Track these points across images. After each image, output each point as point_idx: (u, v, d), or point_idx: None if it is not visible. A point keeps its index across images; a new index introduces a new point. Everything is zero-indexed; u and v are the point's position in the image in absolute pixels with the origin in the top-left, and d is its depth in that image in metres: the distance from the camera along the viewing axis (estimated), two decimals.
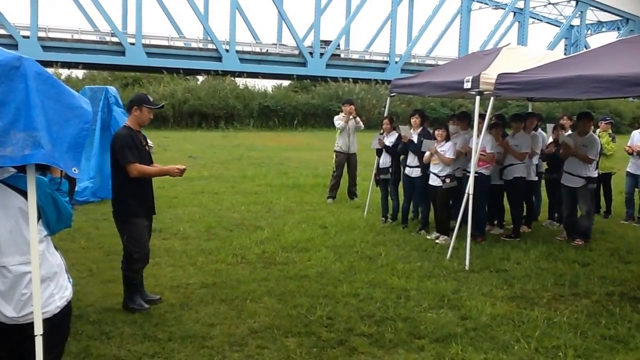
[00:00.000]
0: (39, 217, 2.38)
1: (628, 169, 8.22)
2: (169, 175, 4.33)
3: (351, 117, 9.05)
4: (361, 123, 9.27)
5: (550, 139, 7.55)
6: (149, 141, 4.53)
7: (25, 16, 31.33)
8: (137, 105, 4.26)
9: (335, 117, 9.27)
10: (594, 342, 3.92)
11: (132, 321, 4.11)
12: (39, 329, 2.35)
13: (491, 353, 3.71)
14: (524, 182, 7.00)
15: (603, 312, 4.49)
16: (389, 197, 7.67)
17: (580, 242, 6.60)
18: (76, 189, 8.18)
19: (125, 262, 4.36)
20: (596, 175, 6.84)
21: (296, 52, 38.05)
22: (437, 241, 6.66)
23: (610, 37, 45.34)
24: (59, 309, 2.49)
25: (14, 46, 28.94)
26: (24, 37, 30.83)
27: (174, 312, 4.31)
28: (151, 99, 4.38)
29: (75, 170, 2.38)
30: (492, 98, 5.73)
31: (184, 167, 4.28)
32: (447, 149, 6.59)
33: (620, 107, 30.80)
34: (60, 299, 2.50)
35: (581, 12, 45.90)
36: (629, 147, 8.10)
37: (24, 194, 2.35)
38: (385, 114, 7.99)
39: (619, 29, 47.79)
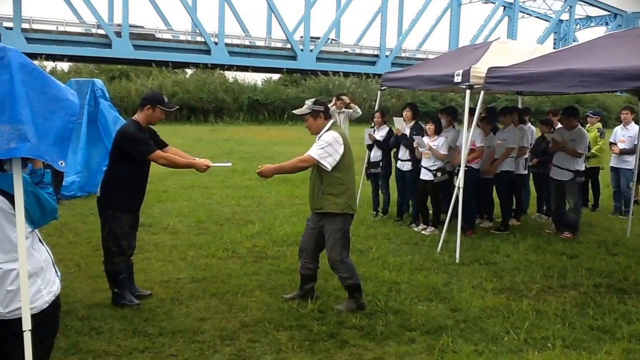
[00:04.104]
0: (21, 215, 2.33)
1: (611, 164, 8.33)
2: (196, 169, 4.22)
3: (342, 110, 9.04)
4: (358, 109, 9.29)
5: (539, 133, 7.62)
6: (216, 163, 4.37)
7: (7, 7, 30.75)
8: (150, 104, 4.16)
9: None
10: (582, 332, 3.97)
11: (122, 316, 4.07)
12: (27, 325, 2.32)
13: (481, 344, 3.74)
14: (511, 175, 7.05)
15: (590, 303, 4.55)
16: (380, 191, 7.68)
17: (568, 235, 6.67)
18: (63, 183, 8.08)
19: (104, 257, 4.30)
20: (584, 168, 6.91)
21: (287, 45, 37.86)
22: (423, 232, 6.72)
23: (599, 31, 45.84)
24: (47, 304, 2.46)
25: None
26: (6, 28, 30.24)
27: (164, 307, 4.28)
28: (166, 100, 4.27)
29: (62, 164, 2.34)
30: (482, 92, 5.74)
31: (210, 163, 4.21)
32: (440, 145, 6.62)
33: (607, 102, 31.13)
34: (48, 294, 2.47)
35: (570, 6, 46.19)
36: (612, 148, 8.18)
37: (3, 193, 2.30)
38: (376, 108, 7.99)
39: (607, 23, 48.21)
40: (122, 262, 4.29)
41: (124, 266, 4.32)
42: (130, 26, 32.98)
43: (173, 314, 4.16)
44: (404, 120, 7.27)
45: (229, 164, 4.70)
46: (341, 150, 4.19)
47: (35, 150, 2.24)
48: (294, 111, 4.53)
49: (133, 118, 4.26)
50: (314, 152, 4.17)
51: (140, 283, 4.64)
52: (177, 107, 4.42)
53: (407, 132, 7.08)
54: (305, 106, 4.34)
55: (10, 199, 2.30)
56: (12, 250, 2.33)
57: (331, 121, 4.34)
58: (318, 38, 38.25)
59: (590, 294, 4.78)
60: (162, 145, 4.34)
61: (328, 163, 4.15)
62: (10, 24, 30.49)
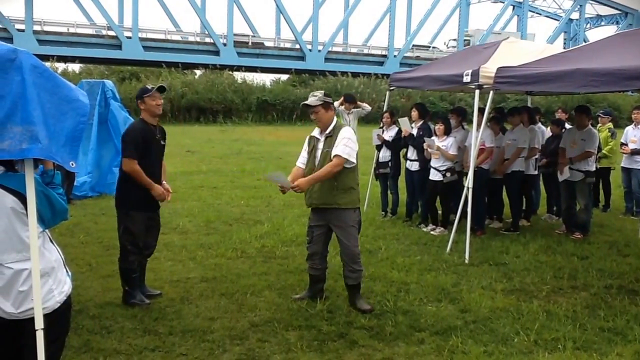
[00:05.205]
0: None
1: (622, 164, 8.25)
2: (153, 193, 4.23)
3: (351, 110, 9.04)
4: (366, 106, 9.28)
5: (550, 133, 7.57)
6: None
7: (20, 9, 31.17)
8: (139, 100, 4.28)
9: None
10: (593, 334, 3.94)
11: (132, 315, 4.10)
12: (39, 323, 2.34)
13: (491, 345, 3.72)
14: (521, 175, 7.00)
15: (601, 304, 4.51)
16: (389, 192, 7.67)
17: (579, 236, 6.62)
18: (75, 183, 8.17)
19: (120, 255, 4.36)
20: (594, 169, 6.85)
21: (296, 46, 37.93)
22: (432, 232, 6.70)
23: (609, 30, 45.35)
24: (59, 304, 2.48)
25: (9, 39, 28.71)
26: (19, 30, 30.61)
27: (174, 307, 4.31)
28: (149, 87, 4.35)
29: (72, 164, 2.36)
30: (491, 92, 5.72)
31: (169, 196, 4.33)
32: (449, 145, 6.59)
33: (618, 101, 30.81)
34: (60, 294, 2.49)
35: (580, 5, 45.79)
36: (623, 148, 8.10)
37: (14, 193, 2.32)
38: (385, 108, 7.98)
39: (617, 22, 47.71)
40: (136, 261, 4.33)
41: (138, 265, 4.36)
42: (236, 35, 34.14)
43: (183, 313, 4.18)
44: (413, 121, 7.26)
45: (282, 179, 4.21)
46: (357, 146, 4.23)
47: (47, 151, 2.26)
48: (306, 101, 4.28)
49: (141, 117, 4.39)
50: (343, 152, 4.10)
51: (150, 282, 4.67)
52: (159, 85, 4.34)
53: (415, 132, 7.07)
54: (315, 97, 4.25)
55: (22, 198, 2.32)
56: (23, 249, 2.36)
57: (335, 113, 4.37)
58: (421, 46, 38.88)
59: (602, 295, 4.74)
60: (161, 155, 4.38)
61: (354, 159, 4.19)
62: (22, 26, 30.84)
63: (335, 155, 4.10)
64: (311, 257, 4.47)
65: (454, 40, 40.65)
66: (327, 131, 4.25)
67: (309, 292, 4.49)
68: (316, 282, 4.49)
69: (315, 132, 4.38)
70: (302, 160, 4.43)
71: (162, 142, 4.40)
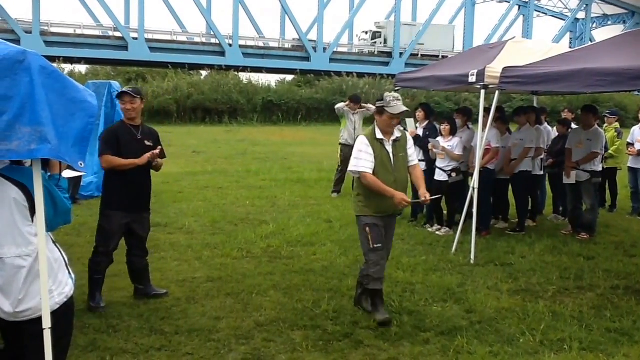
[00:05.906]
0: (35, 212, 2.33)
1: (629, 164, 8.22)
2: (141, 162, 4.18)
3: (356, 110, 9.05)
4: (372, 106, 9.29)
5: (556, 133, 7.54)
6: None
7: (27, 11, 31.34)
8: None
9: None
10: (599, 334, 3.93)
11: (139, 314, 4.13)
12: (47, 322, 2.34)
13: (496, 346, 3.72)
14: (529, 176, 6.99)
15: (608, 305, 4.50)
16: None
17: (585, 236, 6.60)
18: (81, 183, 8.22)
19: (92, 253, 4.36)
20: (601, 169, 6.83)
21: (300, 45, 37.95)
22: (437, 233, 6.70)
23: (616, 30, 44.96)
24: (58, 305, 2.44)
25: (17, 41, 28.79)
26: (26, 32, 30.81)
27: (180, 306, 4.33)
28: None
29: (81, 164, 2.38)
30: (497, 92, 5.70)
31: (155, 153, 4.21)
32: (454, 145, 6.59)
33: (625, 101, 30.63)
34: (59, 295, 2.46)
35: (586, 5, 45.51)
36: (629, 149, 8.05)
37: (18, 185, 2.33)
38: None
39: (624, 22, 47.37)
40: (103, 263, 4.31)
41: (105, 267, 4.33)
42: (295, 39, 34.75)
43: (189, 312, 4.20)
44: (417, 121, 7.25)
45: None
46: None
47: (56, 152, 2.27)
48: (404, 108, 4.06)
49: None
50: (417, 157, 4.45)
51: (157, 282, 4.70)
52: (125, 89, 4.33)
53: (421, 132, 7.07)
54: (400, 101, 4.06)
55: (25, 190, 2.33)
56: (22, 244, 2.35)
57: None
58: None
59: (608, 295, 4.73)
60: (139, 154, 4.25)
61: None
62: (29, 28, 31.04)
63: (417, 163, 4.35)
64: (381, 273, 4.10)
65: (365, 32, 39.66)
66: (396, 135, 4.16)
67: (382, 306, 4.17)
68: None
69: (378, 134, 4.09)
70: (370, 166, 4.03)
71: (148, 143, 4.31)
